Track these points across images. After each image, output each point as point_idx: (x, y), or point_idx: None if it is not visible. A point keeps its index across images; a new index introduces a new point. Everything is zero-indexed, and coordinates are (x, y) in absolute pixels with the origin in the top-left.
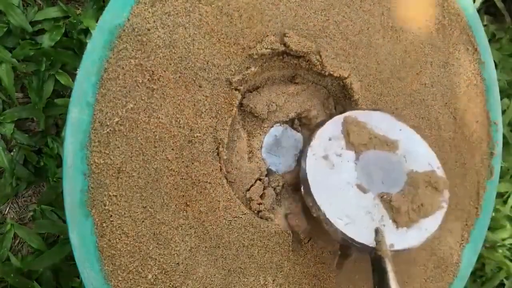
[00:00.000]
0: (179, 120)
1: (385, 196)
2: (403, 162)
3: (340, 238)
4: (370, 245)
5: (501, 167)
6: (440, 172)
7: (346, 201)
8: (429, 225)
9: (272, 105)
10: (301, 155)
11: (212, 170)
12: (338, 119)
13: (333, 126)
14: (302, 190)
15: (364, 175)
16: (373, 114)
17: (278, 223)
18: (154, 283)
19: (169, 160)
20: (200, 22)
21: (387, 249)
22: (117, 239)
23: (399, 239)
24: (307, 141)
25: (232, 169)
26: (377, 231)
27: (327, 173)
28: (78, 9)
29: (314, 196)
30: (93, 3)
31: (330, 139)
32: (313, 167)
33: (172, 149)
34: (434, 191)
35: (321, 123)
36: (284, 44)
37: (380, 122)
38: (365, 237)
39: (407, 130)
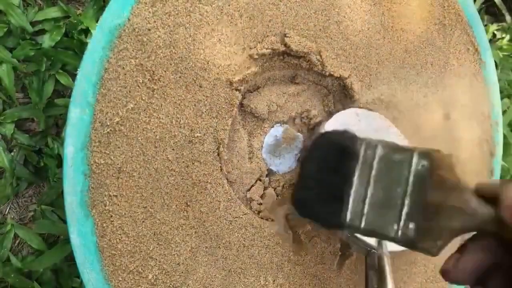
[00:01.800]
0: (180, 120)
1: None
2: None
3: (344, 236)
4: (372, 245)
5: (501, 167)
6: None
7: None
8: None
9: (272, 105)
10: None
11: (213, 170)
12: (342, 114)
13: (338, 121)
14: None
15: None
16: (370, 114)
17: (278, 223)
18: (155, 283)
19: (170, 160)
20: (201, 22)
21: (387, 250)
22: (118, 239)
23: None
24: (321, 122)
25: (232, 169)
26: None
27: None
28: (79, 9)
29: None
30: (93, 3)
31: (343, 125)
32: None
33: (173, 149)
34: None
35: (326, 119)
36: (285, 44)
37: (373, 121)
38: (371, 239)
39: (396, 132)
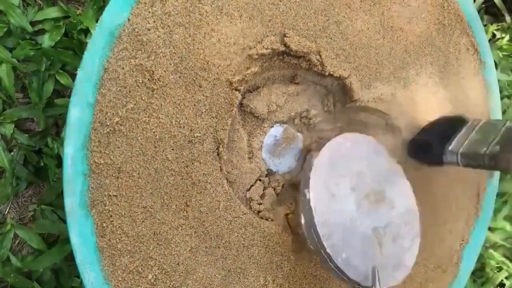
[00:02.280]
0: (179, 120)
1: (375, 231)
2: (388, 193)
3: (337, 276)
4: (365, 285)
5: None
6: (414, 207)
7: (345, 237)
8: (408, 260)
9: (272, 105)
10: (303, 185)
11: (212, 170)
12: (333, 144)
13: (330, 152)
14: (303, 221)
15: (359, 207)
16: (359, 138)
17: (278, 223)
18: (154, 283)
19: (169, 160)
20: (200, 22)
21: None
22: (117, 239)
23: (387, 277)
24: (306, 170)
25: (232, 169)
26: (373, 271)
27: (329, 205)
28: (78, 9)
29: (320, 235)
30: (93, 3)
31: (329, 165)
32: (317, 201)
33: (172, 149)
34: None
35: (317, 149)
36: (284, 44)
37: (361, 148)
38: (360, 276)
39: (387, 159)
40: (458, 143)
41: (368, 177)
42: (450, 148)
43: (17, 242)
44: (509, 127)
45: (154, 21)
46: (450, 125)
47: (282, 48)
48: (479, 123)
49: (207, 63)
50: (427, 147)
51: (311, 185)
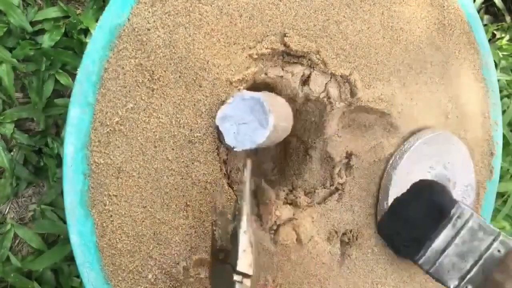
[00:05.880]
0: (179, 120)
1: None
2: (452, 175)
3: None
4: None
5: (501, 167)
6: (471, 180)
7: None
8: None
9: None
10: (382, 196)
11: (212, 170)
12: (409, 154)
13: (407, 163)
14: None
15: None
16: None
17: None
18: (154, 283)
19: (169, 160)
20: (200, 22)
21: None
22: (117, 239)
23: None
24: (386, 183)
25: (232, 169)
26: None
27: None
28: (78, 9)
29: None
30: (93, 3)
31: (405, 175)
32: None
33: (172, 149)
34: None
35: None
36: (284, 44)
37: (434, 146)
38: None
39: (455, 144)
40: (429, 257)
41: (437, 170)
42: (420, 261)
43: (17, 242)
44: (493, 255)
45: (154, 21)
46: (429, 219)
47: (282, 48)
48: (462, 229)
49: (207, 63)
50: (398, 238)
51: (389, 196)
